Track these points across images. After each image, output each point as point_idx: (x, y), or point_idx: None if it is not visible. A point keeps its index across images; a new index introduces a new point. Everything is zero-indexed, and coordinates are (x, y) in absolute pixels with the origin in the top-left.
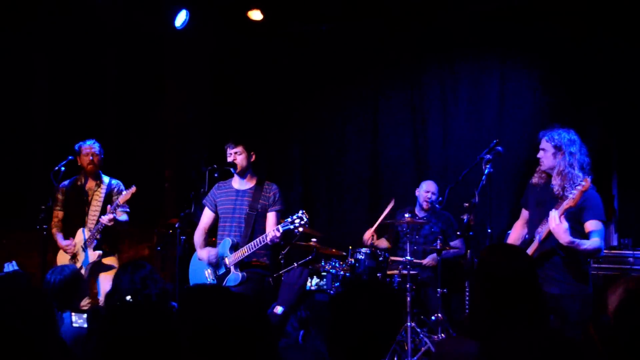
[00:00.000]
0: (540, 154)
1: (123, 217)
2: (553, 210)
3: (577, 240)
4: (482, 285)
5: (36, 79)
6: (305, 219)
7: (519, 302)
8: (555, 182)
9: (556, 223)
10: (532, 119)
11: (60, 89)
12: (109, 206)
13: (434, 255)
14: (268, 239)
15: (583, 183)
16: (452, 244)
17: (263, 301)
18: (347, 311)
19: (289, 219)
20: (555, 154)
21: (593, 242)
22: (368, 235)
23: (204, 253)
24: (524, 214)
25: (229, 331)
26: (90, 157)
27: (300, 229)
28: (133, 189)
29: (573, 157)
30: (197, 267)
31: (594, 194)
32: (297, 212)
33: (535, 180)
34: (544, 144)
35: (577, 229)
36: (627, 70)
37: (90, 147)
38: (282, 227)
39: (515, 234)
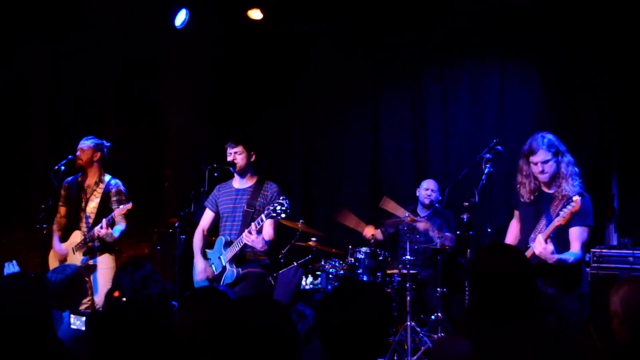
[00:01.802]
0: (542, 167)
1: (118, 228)
2: (539, 235)
3: (563, 257)
4: (477, 285)
5: (36, 78)
6: (285, 205)
7: (514, 301)
8: (558, 183)
9: (542, 247)
10: (532, 119)
11: (60, 88)
12: (104, 219)
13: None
14: (252, 228)
15: (573, 204)
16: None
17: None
18: (336, 312)
19: (271, 208)
20: (556, 160)
21: (574, 255)
22: (368, 231)
23: (199, 266)
24: (516, 214)
25: (259, 335)
26: (78, 153)
27: (283, 215)
28: (129, 205)
29: (569, 155)
30: None
31: (586, 199)
32: (278, 199)
33: (526, 197)
34: (544, 154)
35: (562, 235)
36: (627, 70)
37: (83, 143)
38: (265, 216)
39: (513, 234)
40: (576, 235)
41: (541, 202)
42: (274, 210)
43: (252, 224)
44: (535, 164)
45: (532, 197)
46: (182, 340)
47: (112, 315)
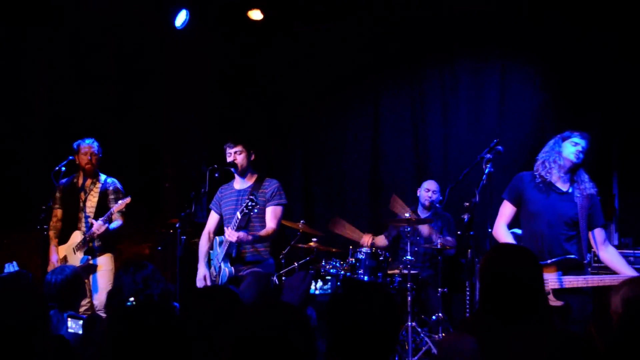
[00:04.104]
0: (583, 149)
1: (115, 223)
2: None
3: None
4: (487, 284)
5: (37, 78)
6: (255, 201)
7: (523, 301)
8: (578, 180)
9: None
10: (532, 118)
11: (60, 89)
12: (100, 219)
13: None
14: (232, 226)
15: None
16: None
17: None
18: (345, 314)
19: (243, 205)
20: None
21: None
22: (366, 240)
23: (200, 271)
24: (509, 210)
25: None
26: (89, 157)
27: (256, 211)
28: (128, 199)
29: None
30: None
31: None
32: (249, 196)
33: (554, 178)
34: (585, 143)
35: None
36: (627, 70)
37: (89, 147)
38: (240, 213)
39: (506, 234)
40: (604, 233)
41: (556, 197)
42: (246, 206)
43: (230, 223)
44: (575, 144)
45: (545, 180)
46: (187, 339)
47: (116, 317)
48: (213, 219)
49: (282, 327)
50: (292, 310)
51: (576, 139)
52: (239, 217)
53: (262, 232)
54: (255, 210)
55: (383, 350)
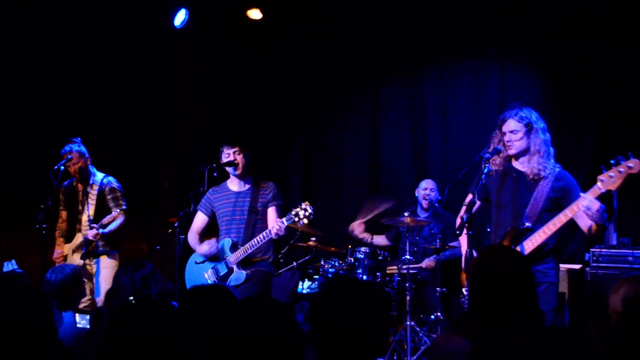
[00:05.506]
0: (509, 137)
1: (113, 224)
2: (584, 195)
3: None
4: (479, 286)
5: (36, 77)
6: (310, 210)
7: (513, 303)
8: (532, 163)
9: (597, 204)
10: None
11: (59, 88)
12: (93, 229)
13: (433, 257)
14: (272, 233)
15: (631, 165)
16: (451, 244)
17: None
18: (327, 311)
19: (293, 212)
20: (527, 134)
21: None
22: (355, 227)
23: (204, 247)
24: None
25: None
26: (72, 168)
27: (305, 221)
28: (115, 213)
29: (545, 134)
30: (195, 270)
31: (569, 175)
32: (301, 204)
33: (494, 168)
34: (514, 124)
35: (554, 214)
36: (627, 68)
37: (67, 154)
38: (287, 220)
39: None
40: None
41: (516, 181)
42: (296, 214)
43: (277, 222)
44: (504, 133)
45: (499, 169)
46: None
47: (115, 316)
48: (201, 220)
49: (268, 323)
50: (278, 307)
51: (503, 127)
52: (285, 223)
53: (275, 237)
54: (305, 221)
55: (366, 349)
